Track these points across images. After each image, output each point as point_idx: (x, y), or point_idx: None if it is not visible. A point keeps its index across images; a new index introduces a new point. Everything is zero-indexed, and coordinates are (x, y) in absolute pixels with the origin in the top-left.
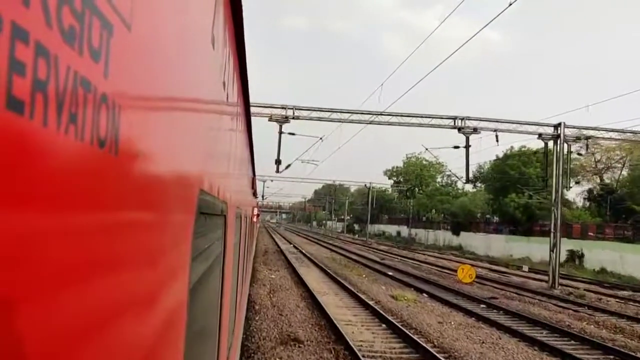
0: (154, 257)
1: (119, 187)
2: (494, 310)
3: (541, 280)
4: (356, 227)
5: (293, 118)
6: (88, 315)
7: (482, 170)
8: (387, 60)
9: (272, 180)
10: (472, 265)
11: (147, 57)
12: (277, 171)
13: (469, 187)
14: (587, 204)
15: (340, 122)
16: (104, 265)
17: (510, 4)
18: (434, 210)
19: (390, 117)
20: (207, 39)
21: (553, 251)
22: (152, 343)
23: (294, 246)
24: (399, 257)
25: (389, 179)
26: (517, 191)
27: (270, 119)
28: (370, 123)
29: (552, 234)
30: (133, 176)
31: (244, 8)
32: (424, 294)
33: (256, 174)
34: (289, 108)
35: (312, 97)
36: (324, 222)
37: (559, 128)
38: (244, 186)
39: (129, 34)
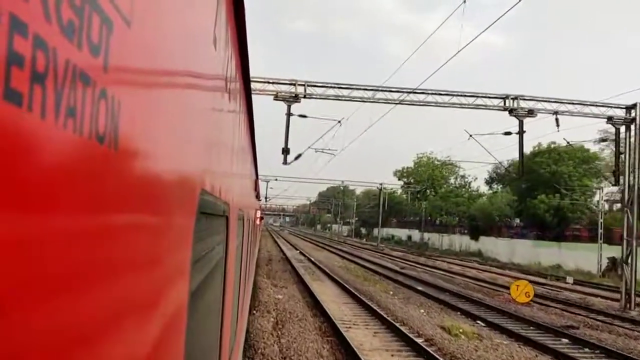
0: (153, 258)
1: (118, 184)
2: (586, 349)
3: (597, 296)
4: (363, 230)
5: (304, 97)
6: (81, 319)
7: (499, 170)
8: (391, 64)
9: (276, 179)
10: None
11: (147, 55)
12: (285, 162)
13: (484, 189)
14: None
15: (362, 101)
16: (101, 266)
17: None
18: (444, 214)
19: (425, 95)
20: (208, 39)
21: (627, 263)
22: (150, 349)
23: (301, 252)
24: (420, 266)
25: (399, 180)
26: (547, 192)
27: (276, 98)
28: (400, 103)
29: (624, 242)
30: (133, 173)
31: (247, 10)
32: (479, 322)
33: (260, 172)
34: (299, 84)
35: None
36: (328, 225)
37: (633, 110)
38: (246, 188)
39: (129, 31)
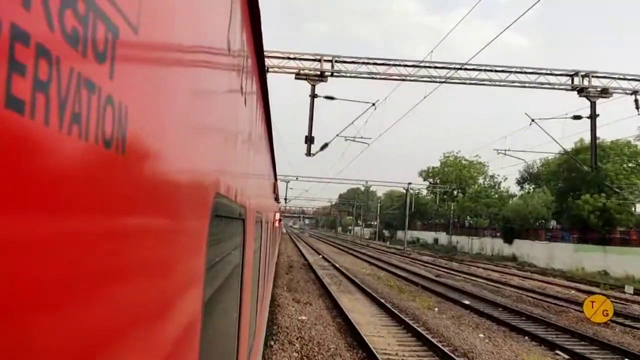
0: (164, 265)
1: (127, 188)
2: None
3: None
4: (386, 233)
5: (332, 74)
6: (90, 325)
7: (531, 170)
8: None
9: (296, 179)
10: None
11: (155, 60)
12: (309, 154)
13: (515, 189)
14: None
15: (402, 79)
16: (111, 272)
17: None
18: (474, 215)
19: (477, 72)
20: (222, 43)
21: None
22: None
23: (324, 257)
24: (455, 273)
25: (424, 180)
26: (590, 191)
27: (299, 76)
28: (446, 81)
29: None
30: (142, 177)
31: (265, 12)
32: (560, 353)
33: (280, 167)
34: (325, 59)
35: None
36: (349, 227)
37: None
38: (264, 190)
39: (136, 37)
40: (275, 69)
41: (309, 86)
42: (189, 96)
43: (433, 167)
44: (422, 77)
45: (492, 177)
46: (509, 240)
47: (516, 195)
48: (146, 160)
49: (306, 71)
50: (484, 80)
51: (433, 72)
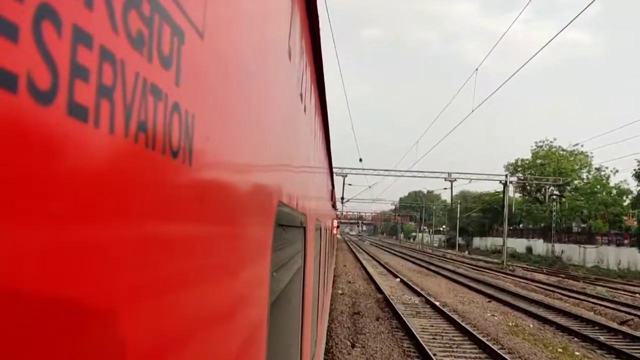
0: (232, 270)
1: (194, 198)
2: None
3: None
4: (460, 240)
5: None
6: (164, 328)
7: None
8: (468, 70)
9: (361, 161)
10: None
11: (220, 66)
12: None
13: (632, 184)
14: None
15: None
16: (179, 277)
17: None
18: (579, 217)
19: None
20: (283, 51)
21: None
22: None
23: (403, 282)
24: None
25: (511, 175)
26: None
27: None
28: None
29: None
30: (209, 187)
31: (321, 20)
32: None
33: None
34: None
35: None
36: (412, 234)
37: None
38: (323, 197)
39: (202, 42)
40: None
41: None
42: (253, 104)
43: (522, 160)
44: None
45: (598, 169)
46: None
47: (632, 193)
48: (213, 171)
49: None
50: None
51: None
